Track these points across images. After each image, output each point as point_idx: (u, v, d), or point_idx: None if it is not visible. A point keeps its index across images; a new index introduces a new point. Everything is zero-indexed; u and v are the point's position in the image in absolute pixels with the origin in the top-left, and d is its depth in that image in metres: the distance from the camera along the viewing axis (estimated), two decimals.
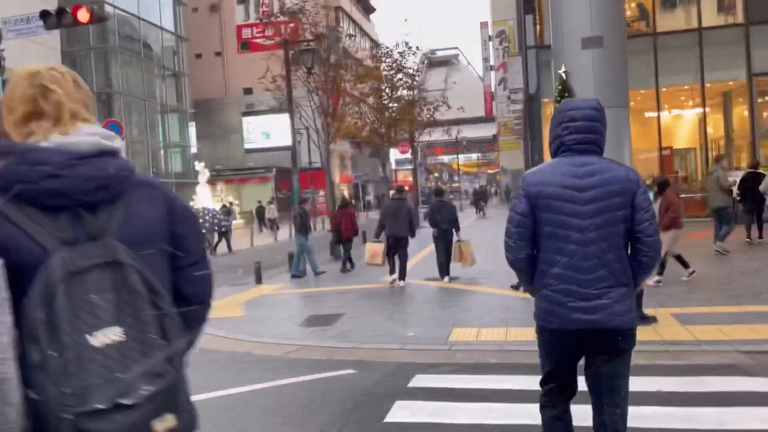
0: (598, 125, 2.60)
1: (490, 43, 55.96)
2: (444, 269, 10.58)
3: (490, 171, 73.91)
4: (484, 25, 56.63)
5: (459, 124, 64.27)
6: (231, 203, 21.40)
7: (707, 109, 19.24)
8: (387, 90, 23.81)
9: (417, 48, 27.06)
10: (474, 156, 76.44)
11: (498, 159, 63.41)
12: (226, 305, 10.00)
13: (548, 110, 21.50)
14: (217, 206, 36.13)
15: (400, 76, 25.61)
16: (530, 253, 2.61)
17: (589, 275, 2.48)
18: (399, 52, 25.88)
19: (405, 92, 26.20)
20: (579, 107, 2.63)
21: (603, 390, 2.61)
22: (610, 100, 14.20)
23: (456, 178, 71.40)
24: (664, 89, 19.11)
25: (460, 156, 68.39)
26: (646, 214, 2.51)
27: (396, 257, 10.65)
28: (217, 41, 48.36)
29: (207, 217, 9.29)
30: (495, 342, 6.46)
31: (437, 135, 55.15)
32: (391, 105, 23.94)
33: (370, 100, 24.70)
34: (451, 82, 34.02)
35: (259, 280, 12.86)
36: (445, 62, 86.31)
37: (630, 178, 2.54)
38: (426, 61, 29.63)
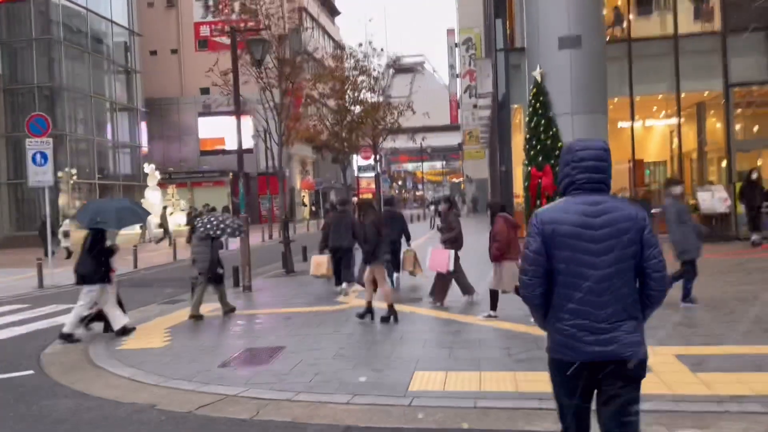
0: (606, 165, 2.69)
1: (456, 50, 55.35)
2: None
3: (455, 179, 73.19)
4: (450, 33, 55.96)
5: (424, 132, 63.45)
6: (208, 206, 19.99)
7: (681, 120, 18.45)
8: (349, 92, 22.45)
9: (381, 50, 25.85)
10: (438, 164, 75.65)
11: (462, 167, 62.78)
12: (147, 331, 8.45)
13: (517, 117, 20.44)
14: (168, 210, 34.28)
15: (363, 78, 24.31)
16: (544, 290, 2.68)
17: (603, 310, 2.57)
18: (362, 53, 24.62)
19: (368, 95, 24.90)
20: (588, 147, 2.70)
21: (614, 422, 2.63)
22: (588, 105, 13.07)
23: (420, 187, 70.60)
24: (638, 98, 18.24)
25: (424, 164, 67.63)
26: (655, 251, 2.62)
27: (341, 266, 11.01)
28: (173, 38, 46.30)
29: (227, 222, 8.30)
30: (467, 393, 5.13)
31: (401, 142, 54.22)
32: (352, 108, 22.57)
33: (331, 102, 23.32)
34: (417, 86, 32.72)
35: None
36: (411, 69, 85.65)
37: (638, 216, 2.63)
38: (391, 66, 28.28)
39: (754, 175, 14.36)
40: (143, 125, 39.73)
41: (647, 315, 2.69)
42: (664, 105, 19.18)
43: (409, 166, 78.67)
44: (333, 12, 62.99)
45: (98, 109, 35.34)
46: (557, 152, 12.50)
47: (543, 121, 12.71)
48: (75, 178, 32.40)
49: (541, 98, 12.78)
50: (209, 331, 8.48)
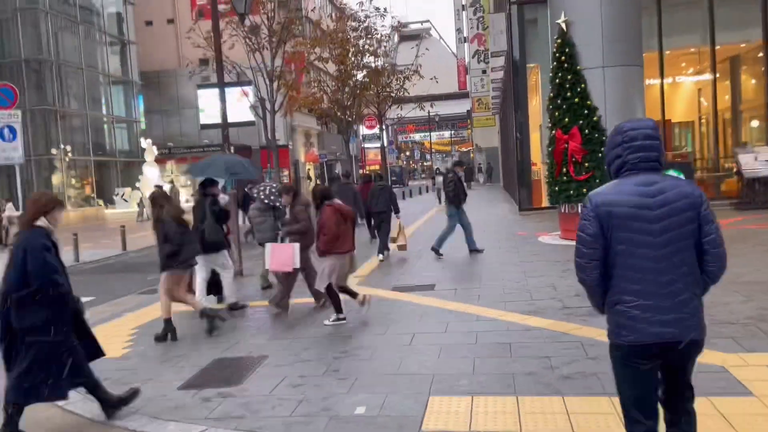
0: (657, 143, 2.64)
1: (464, 13, 53.08)
2: (383, 246, 11.40)
3: (463, 149, 71.36)
4: None
5: (431, 101, 61.56)
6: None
7: (717, 75, 16.73)
8: (351, 56, 20.82)
9: (385, 10, 24.12)
10: (447, 134, 73.73)
11: (471, 137, 60.92)
12: (109, 333, 7.09)
13: (534, 77, 18.75)
14: (166, 186, 32.94)
15: (365, 41, 22.66)
16: (602, 272, 2.62)
17: (665, 289, 2.54)
18: (364, 14, 22.94)
19: (371, 59, 23.29)
20: (638, 127, 2.66)
21: (682, 403, 2.70)
22: (621, 56, 11.15)
23: (428, 157, 68.85)
24: (667, 52, 16.52)
25: (432, 134, 65.76)
26: (712, 227, 2.59)
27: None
28: (169, 7, 44.42)
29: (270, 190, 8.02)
30: None
31: (408, 111, 52.61)
32: (355, 72, 20.96)
33: (330, 67, 21.73)
34: (422, 53, 30.77)
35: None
36: (416, 36, 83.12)
37: (695, 193, 2.60)
38: (396, 27, 26.51)
39: None
40: (140, 99, 38.23)
41: (706, 291, 2.68)
42: (695, 59, 17.45)
43: (417, 137, 76.81)
44: None
45: (91, 83, 33.87)
46: (587, 112, 10.94)
47: (569, 77, 11.13)
48: (70, 155, 31.12)
49: (566, 50, 11.17)
50: (182, 331, 7.13)
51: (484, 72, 50.38)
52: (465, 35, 52.74)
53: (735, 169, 15.01)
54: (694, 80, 18.33)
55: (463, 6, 53.30)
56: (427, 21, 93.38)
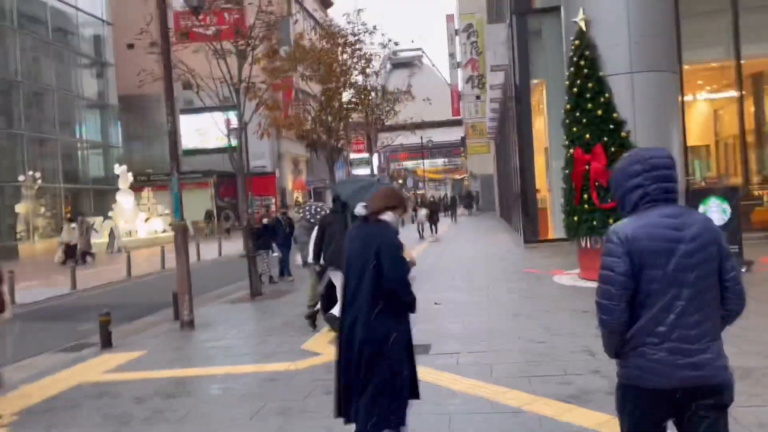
0: (676, 174, 2.48)
1: (457, 37, 51.91)
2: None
3: (457, 177, 69.74)
4: (449, 18, 52.47)
5: (424, 128, 59.80)
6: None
7: (743, 93, 15.00)
8: (338, 72, 19.03)
9: (374, 28, 22.42)
10: (440, 162, 72.13)
11: (464, 164, 59.31)
12: None
13: (538, 94, 16.99)
14: (143, 216, 30.87)
15: (352, 58, 20.93)
16: (630, 316, 2.39)
17: (695, 330, 2.35)
18: (352, 30, 21.23)
19: (360, 78, 21.52)
20: (658, 155, 2.46)
21: None
22: (653, 60, 8.76)
23: (421, 185, 67.12)
24: (686, 67, 14.78)
25: (425, 161, 64.19)
26: (732, 263, 2.43)
27: None
28: (152, 30, 42.86)
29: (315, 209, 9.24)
30: None
31: (401, 139, 50.66)
32: (341, 90, 19.15)
33: (315, 87, 19.94)
34: (415, 81, 28.52)
35: (106, 344, 7.94)
36: (408, 63, 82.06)
37: (715, 227, 2.44)
38: (386, 48, 24.84)
39: None
40: (118, 124, 36.37)
41: (724, 328, 2.48)
42: (718, 75, 15.74)
43: (409, 164, 75.22)
44: (325, 4, 59.57)
45: (64, 106, 31.97)
46: (612, 126, 9.07)
47: (590, 85, 9.26)
48: (40, 182, 29.05)
49: (586, 53, 9.33)
50: (74, 420, 5.06)
51: (478, 97, 49.06)
52: (458, 60, 51.60)
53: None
54: (715, 98, 16.58)
55: (456, 31, 52.16)
56: (419, 49, 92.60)
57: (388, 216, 3.60)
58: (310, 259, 7.98)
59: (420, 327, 7.42)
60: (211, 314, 10.26)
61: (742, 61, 14.67)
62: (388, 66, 67.79)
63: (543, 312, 7.79)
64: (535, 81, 15.90)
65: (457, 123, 61.67)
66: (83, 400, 5.64)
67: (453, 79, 55.68)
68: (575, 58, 9.42)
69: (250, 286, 11.54)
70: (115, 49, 36.39)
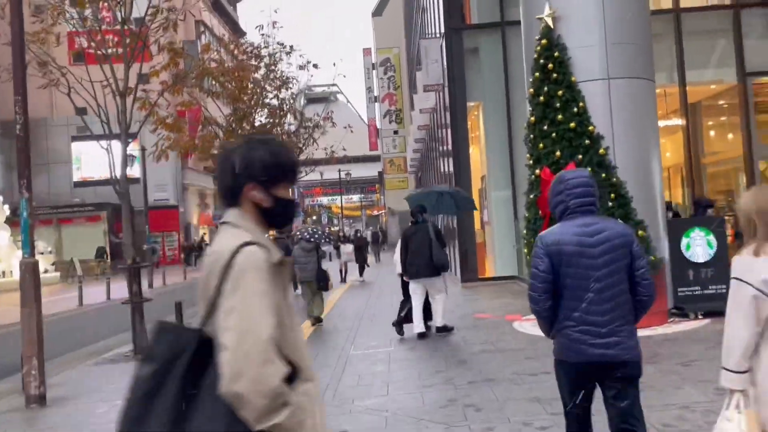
0: (594, 190, 3.00)
1: (374, 71, 51.02)
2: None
3: (374, 212, 68.34)
4: (367, 52, 51.59)
5: (341, 162, 58.08)
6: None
7: (682, 121, 14.19)
8: (249, 90, 16.95)
9: (292, 48, 20.56)
10: (355, 197, 70.55)
11: (383, 200, 58.02)
12: None
13: (473, 118, 15.55)
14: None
15: (269, 78, 18.95)
16: (552, 304, 2.95)
17: (605, 316, 2.87)
18: (268, 52, 19.31)
19: (274, 100, 19.55)
20: (576, 176, 3.03)
21: (620, 417, 2.92)
22: (632, 65, 6.88)
23: (336, 222, 65.20)
24: None
25: (341, 197, 62.43)
26: (643, 261, 2.95)
27: None
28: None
29: (320, 231, 10.54)
30: None
31: (315, 175, 48.67)
32: (253, 111, 17.04)
33: (223, 108, 17.72)
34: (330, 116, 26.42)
35: None
36: (324, 99, 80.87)
37: (626, 232, 2.98)
38: (305, 82, 23.01)
39: None
40: None
41: (638, 318, 2.98)
42: (663, 101, 14.90)
43: (324, 200, 73.20)
44: (237, 32, 57.36)
45: None
46: (588, 141, 7.50)
47: (560, 92, 7.68)
48: None
49: (555, 55, 7.77)
50: None
51: (396, 132, 48.19)
52: (376, 94, 50.62)
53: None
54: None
55: (373, 65, 51.26)
56: (335, 85, 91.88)
57: None
58: (398, 270, 8.65)
59: (368, 404, 5.32)
60: (77, 380, 7.80)
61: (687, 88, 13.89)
62: (303, 101, 66.10)
63: (523, 376, 5.89)
64: (471, 103, 14.45)
65: (374, 159, 60.50)
66: None
67: (370, 113, 54.62)
68: (542, 61, 7.83)
69: (134, 340, 9.05)
70: None
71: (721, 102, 15.01)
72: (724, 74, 13.96)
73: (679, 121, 14.23)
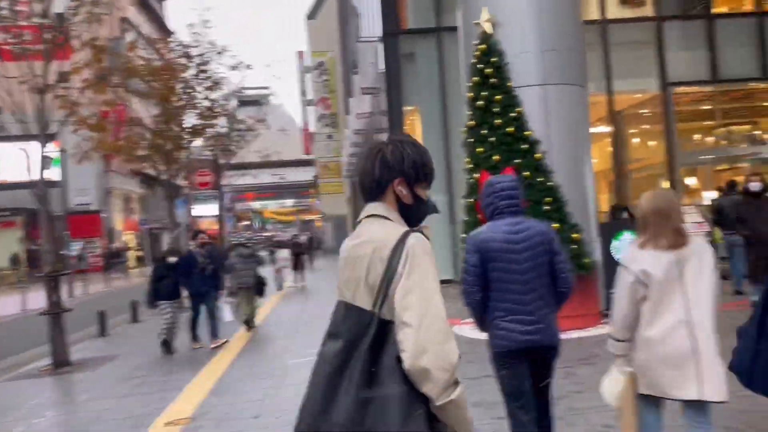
0: (519, 193, 3.34)
1: (308, 75, 50.54)
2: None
3: (310, 217, 67.65)
4: (301, 55, 51.07)
5: (274, 166, 57.07)
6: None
7: (611, 128, 14.71)
8: (178, 90, 16.35)
9: (223, 48, 20.03)
10: (289, 202, 69.65)
11: (315, 204, 57.48)
12: None
13: (409, 122, 15.59)
14: None
15: (198, 78, 18.36)
16: (483, 296, 3.25)
17: (530, 306, 3.18)
18: (197, 52, 18.71)
19: (205, 101, 18.95)
20: (503, 180, 3.36)
21: (544, 400, 3.30)
22: (566, 72, 6.44)
23: (269, 227, 64.19)
24: None
25: (274, 202, 61.54)
26: (561, 257, 3.25)
27: None
28: None
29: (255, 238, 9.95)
30: None
31: (248, 178, 47.74)
32: (182, 112, 16.44)
33: (153, 111, 17.03)
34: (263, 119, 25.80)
35: None
36: (256, 102, 79.61)
37: (547, 230, 3.27)
38: (237, 85, 22.47)
39: (756, 186, 9.02)
40: None
41: (560, 307, 3.31)
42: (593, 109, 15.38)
43: (257, 205, 71.88)
44: (165, 31, 55.58)
45: None
46: (526, 146, 7.58)
47: (498, 97, 7.74)
48: None
49: (493, 60, 7.82)
50: None
51: (329, 137, 47.84)
52: (310, 98, 50.12)
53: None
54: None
55: (306, 68, 50.72)
56: (267, 87, 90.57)
57: None
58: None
59: None
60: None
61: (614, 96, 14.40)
62: (235, 103, 64.77)
63: (469, 381, 5.85)
64: (409, 107, 14.47)
65: (308, 163, 59.94)
66: None
67: (304, 116, 54.12)
68: (480, 65, 7.87)
69: (53, 353, 8.48)
70: None
71: (644, 111, 15.65)
72: (648, 84, 14.58)
73: (606, 129, 14.75)
